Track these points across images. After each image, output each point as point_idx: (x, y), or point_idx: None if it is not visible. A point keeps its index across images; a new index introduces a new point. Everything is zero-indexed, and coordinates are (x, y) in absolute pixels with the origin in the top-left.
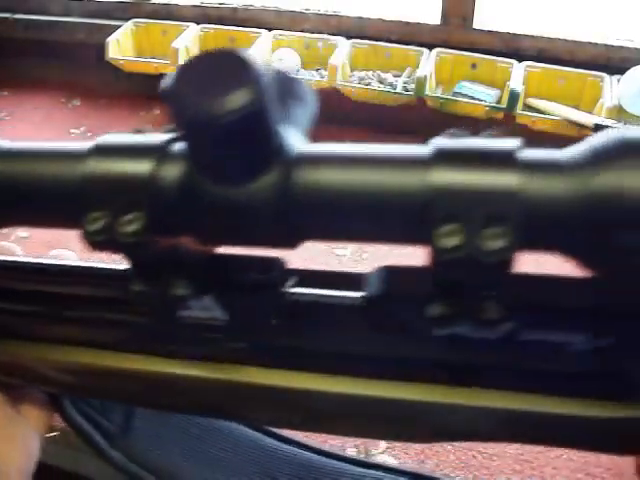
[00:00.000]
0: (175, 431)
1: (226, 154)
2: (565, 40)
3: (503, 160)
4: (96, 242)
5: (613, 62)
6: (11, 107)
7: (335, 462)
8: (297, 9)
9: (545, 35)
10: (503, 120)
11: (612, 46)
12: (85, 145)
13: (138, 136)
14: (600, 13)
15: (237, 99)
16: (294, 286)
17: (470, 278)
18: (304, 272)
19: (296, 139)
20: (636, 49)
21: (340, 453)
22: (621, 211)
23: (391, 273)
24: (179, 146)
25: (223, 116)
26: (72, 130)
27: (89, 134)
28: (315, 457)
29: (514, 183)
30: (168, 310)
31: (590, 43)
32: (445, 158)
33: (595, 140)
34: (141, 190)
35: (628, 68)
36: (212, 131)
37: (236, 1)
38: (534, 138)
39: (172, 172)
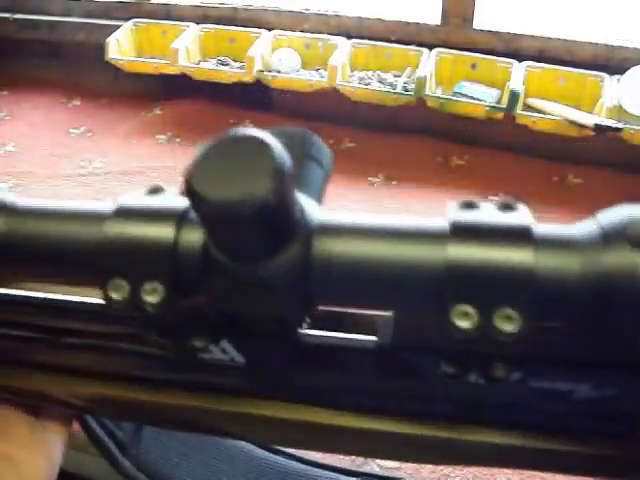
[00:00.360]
0: (180, 443)
1: (245, 240)
2: (565, 40)
3: (519, 239)
4: (119, 309)
5: (613, 62)
6: (11, 107)
7: (318, 470)
8: (297, 9)
9: (545, 35)
10: (503, 120)
11: (612, 46)
12: (105, 207)
13: (157, 199)
14: (600, 13)
15: (257, 191)
16: (309, 328)
17: (481, 349)
18: (319, 313)
19: (313, 208)
20: (636, 49)
21: (325, 462)
22: (633, 289)
23: (402, 322)
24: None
25: (243, 209)
26: (72, 130)
27: (89, 134)
28: (300, 466)
29: (529, 264)
30: (188, 356)
31: (590, 43)
32: (461, 235)
33: (604, 218)
34: (162, 261)
35: (628, 68)
36: (231, 222)
37: (236, 1)
38: (534, 138)
39: (192, 244)
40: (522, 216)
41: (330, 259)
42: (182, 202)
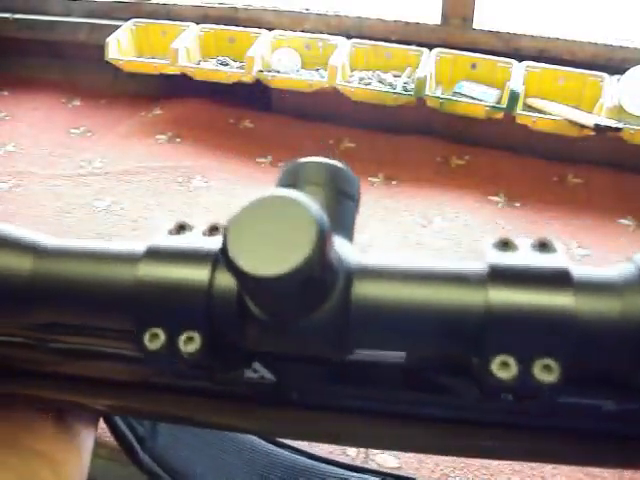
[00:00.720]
0: (191, 436)
1: (284, 304)
2: (565, 40)
3: (560, 286)
4: (155, 360)
5: (613, 62)
6: (11, 107)
7: (323, 465)
8: (297, 9)
9: (545, 35)
10: (503, 120)
11: (612, 46)
12: (135, 250)
13: (186, 241)
14: (600, 13)
15: (300, 265)
16: None
17: (517, 395)
18: None
19: (349, 252)
20: (636, 49)
21: (329, 457)
22: None
23: None
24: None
25: (286, 284)
26: (72, 130)
27: (89, 134)
28: (306, 460)
29: (571, 312)
30: (222, 382)
31: (590, 43)
32: (502, 282)
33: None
34: (198, 311)
35: (628, 68)
36: (272, 292)
37: (236, 1)
38: (534, 138)
39: (228, 292)
40: (560, 259)
41: (369, 308)
42: (212, 244)
